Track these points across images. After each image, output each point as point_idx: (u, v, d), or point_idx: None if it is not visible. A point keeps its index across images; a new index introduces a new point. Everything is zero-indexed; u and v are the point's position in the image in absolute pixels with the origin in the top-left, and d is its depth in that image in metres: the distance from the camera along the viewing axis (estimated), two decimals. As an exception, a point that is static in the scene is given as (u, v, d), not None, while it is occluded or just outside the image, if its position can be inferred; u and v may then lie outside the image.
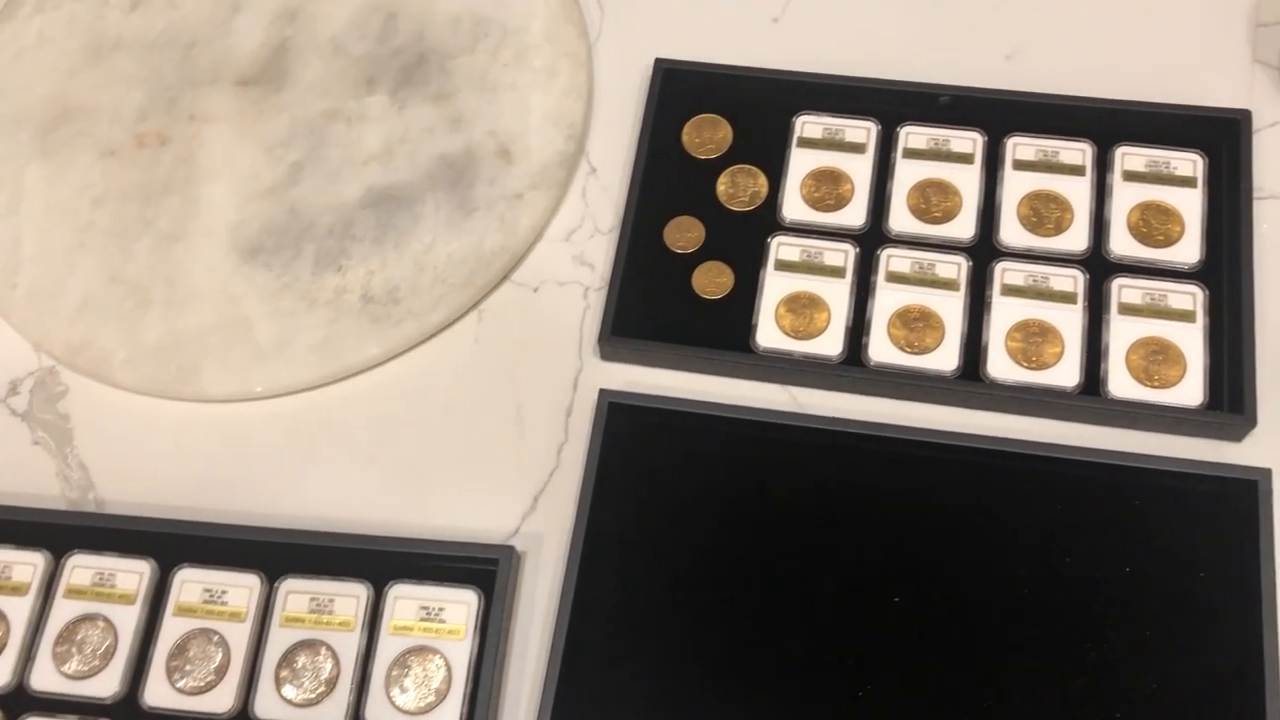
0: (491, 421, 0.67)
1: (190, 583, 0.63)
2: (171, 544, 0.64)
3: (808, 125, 0.72)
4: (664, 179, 0.72)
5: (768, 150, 0.72)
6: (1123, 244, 0.67)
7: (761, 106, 0.73)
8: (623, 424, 0.65)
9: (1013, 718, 0.58)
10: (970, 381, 0.65)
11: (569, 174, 0.72)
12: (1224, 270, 0.66)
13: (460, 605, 0.61)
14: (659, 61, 0.74)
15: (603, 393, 0.65)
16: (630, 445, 0.65)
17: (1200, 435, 0.63)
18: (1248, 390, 0.62)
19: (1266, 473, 0.60)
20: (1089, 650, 0.59)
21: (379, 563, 0.63)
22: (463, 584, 0.62)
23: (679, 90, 0.73)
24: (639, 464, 0.65)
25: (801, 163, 0.71)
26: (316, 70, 0.76)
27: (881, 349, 0.66)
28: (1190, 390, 0.63)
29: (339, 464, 0.67)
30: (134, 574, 0.63)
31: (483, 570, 0.62)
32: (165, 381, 0.69)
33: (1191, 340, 0.64)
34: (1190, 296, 0.65)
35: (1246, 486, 0.60)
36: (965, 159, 0.70)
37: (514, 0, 0.77)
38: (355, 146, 0.74)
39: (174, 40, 0.78)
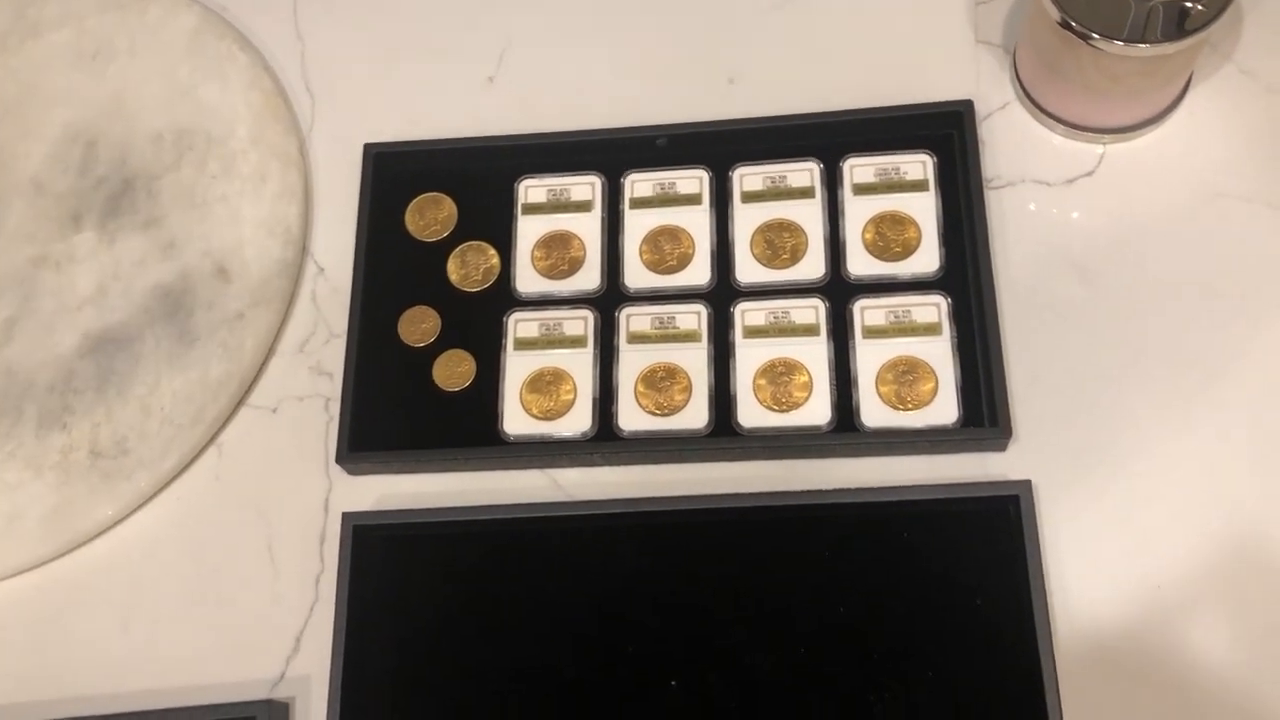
0: (244, 562, 0.64)
1: (-60, 798, 0.59)
2: (-83, 759, 0.60)
3: (531, 189, 0.69)
4: (391, 270, 0.68)
5: (495, 222, 0.69)
6: (861, 263, 0.64)
7: (482, 176, 0.70)
8: (373, 545, 0.61)
9: (805, 788, 0.55)
10: (724, 436, 0.62)
11: (292, 282, 0.69)
12: (966, 272, 0.64)
13: (225, 771, 0.58)
14: (368, 147, 0.70)
15: (345, 516, 0.62)
16: (384, 566, 0.61)
17: (962, 451, 0.61)
18: (1000, 400, 0.60)
19: (1026, 484, 0.58)
20: (873, 702, 0.56)
21: (137, 740, 0.59)
22: (226, 747, 0.59)
23: (395, 173, 0.70)
24: (396, 585, 0.61)
25: (529, 230, 0.68)
26: (19, 214, 0.72)
27: (631, 416, 0.63)
28: (944, 407, 0.61)
29: (90, 636, 0.63)
30: (-121, 800, 0.59)
31: (246, 728, 0.59)
32: (-106, 580, 0.64)
33: (940, 354, 0.62)
34: (934, 308, 0.63)
35: (1009, 501, 0.58)
36: (693, 200, 0.67)
37: (216, 105, 0.73)
38: (67, 291, 0.69)
39: None
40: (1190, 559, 0.58)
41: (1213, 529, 0.58)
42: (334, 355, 0.67)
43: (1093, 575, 0.58)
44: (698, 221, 0.67)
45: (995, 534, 0.58)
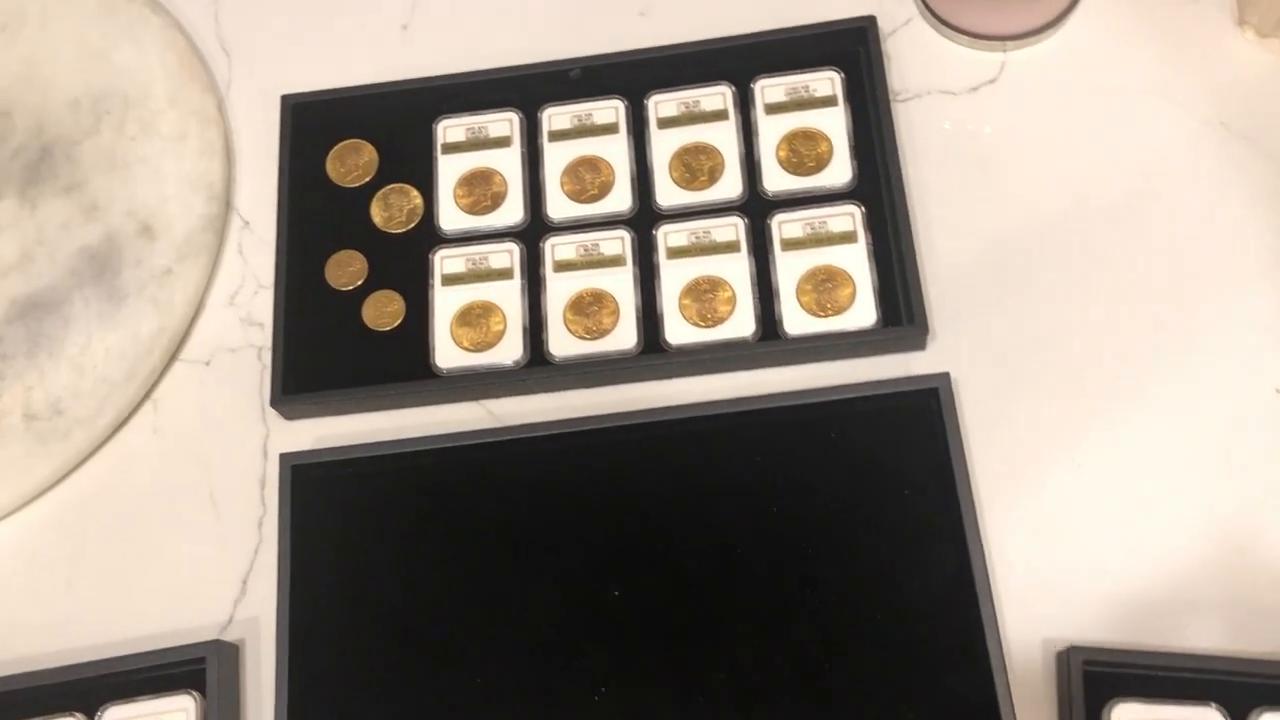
0: (186, 511, 0.64)
1: (-107, 763, 0.59)
2: None
3: (449, 129, 0.69)
4: (315, 218, 0.69)
5: (416, 164, 0.69)
6: (776, 179, 0.66)
7: (401, 120, 0.70)
8: (312, 485, 0.62)
9: (747, 681, 0.57)
10: (653, 354, 0.63)
11: (218, 236, 0.69)
12: (879, 182, 0.65)
13: (179, 713, 0.58)
14: (285, 98, 0.70)
15: (283, 457, 0.62)
16: (325, 505, 0.62)
17: (884, 353, 0.63)
18: (916, 300, 0.61)
19: (945, 376, 0.60)
20: (809, 596, 0.58)
21: (88, 689, 0.59)
22: (178, 690, 0.59)
23: (314, 122, 0.70)
24: (338, 522, 0.62)
25: (450, 169, 0.69)
26: (-63, 188, 0.72)
27: (562, 342, 0.64)
28: (863, 311, 0.62)
29: (35, 596, 0.63)
30: None
31: (197, 670, 0.59)
32: None
33: (857, 260, 0.63)
34: (849, 216, 0.64)
35: (930, 394, 0.60)
36: (610, 129, 0.68)
37: (132, 68, 0.73)
38: (-9, 260, 0.69)
39: None
40: (1109, 435, 0.60)
41: (1126, 407, 0.60)
42: (264, 305, 0.68)
43: (1015, 460, 0.60)
44: (616, 150, 0.68)
45: (919, 427, 0.60)
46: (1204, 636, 0.56)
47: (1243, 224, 0.63)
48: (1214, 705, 0.54)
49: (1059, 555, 0.58)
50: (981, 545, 0.57)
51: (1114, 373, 0.61)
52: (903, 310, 0.62)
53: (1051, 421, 0.61)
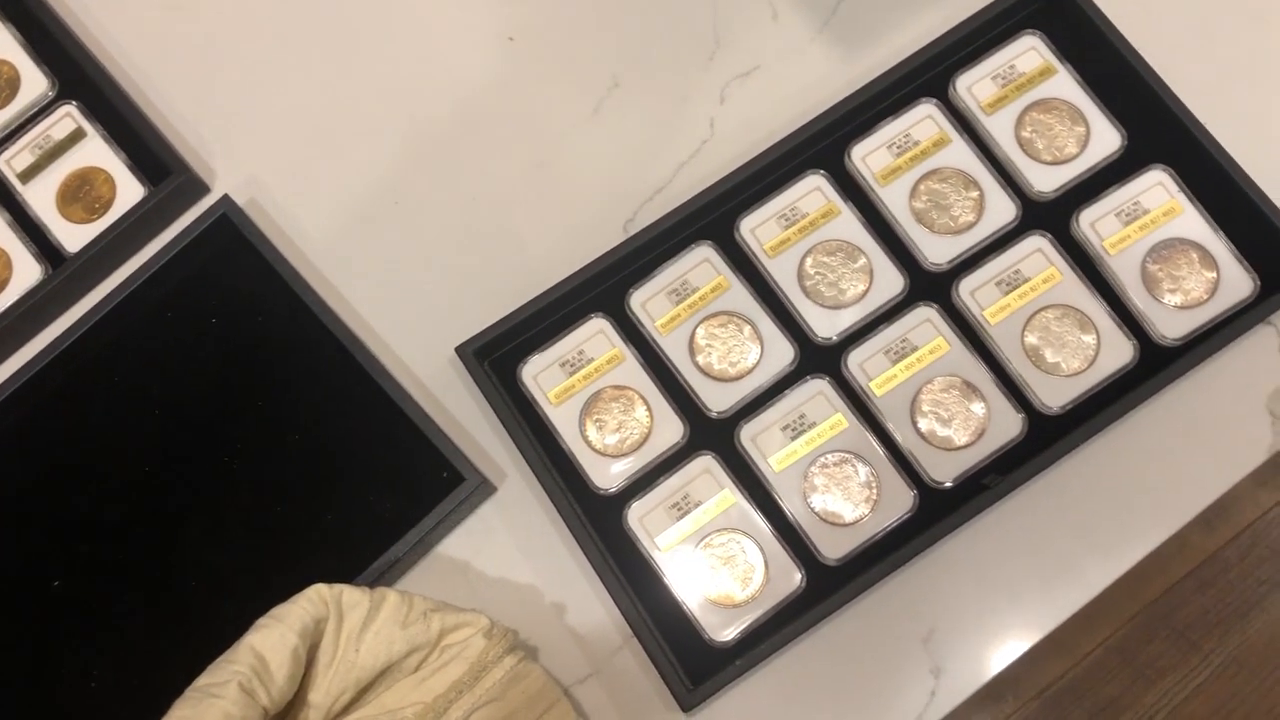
0: None
1: None
2: None
3: None
4: None
5: None
6: (-20, 125, 0.62)
7: None
8: None
9: (221, 555, 0.55)
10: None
11: None
12: (77, 73, 0.61)
13: None
14: None
15: None
16: None
17: (178, 214, 0.61)
18: (165, 152, 0.60)
19: (225, 199, 0.58)
20: (229, 461, 0.56)
21: None
22: None
23: None
24: None
25: None
26: None
27: None
28: (130, 190, 0.60)
29: None
30: None
31: None
32: None
33: (99, 151, 0.61)
34: (68, 118, 0.61)
35: (224, 224, 0.58)
36: None
37: None
38: None
39: None
40: (398, 150, 0.61)
41: (396, 110, 0.62)
42: None
43: (339, 223, 0.60)
44: None
45: (239, 258, 0.58)
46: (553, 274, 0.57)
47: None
48: (599, 314, 0.56)
49: (420, 282, 0.59)
50: (344, 322, 0.56)
51: (371, 86, 0.62)
52: (166, 167, 0.60)
53: (361, 172, 0.61)
